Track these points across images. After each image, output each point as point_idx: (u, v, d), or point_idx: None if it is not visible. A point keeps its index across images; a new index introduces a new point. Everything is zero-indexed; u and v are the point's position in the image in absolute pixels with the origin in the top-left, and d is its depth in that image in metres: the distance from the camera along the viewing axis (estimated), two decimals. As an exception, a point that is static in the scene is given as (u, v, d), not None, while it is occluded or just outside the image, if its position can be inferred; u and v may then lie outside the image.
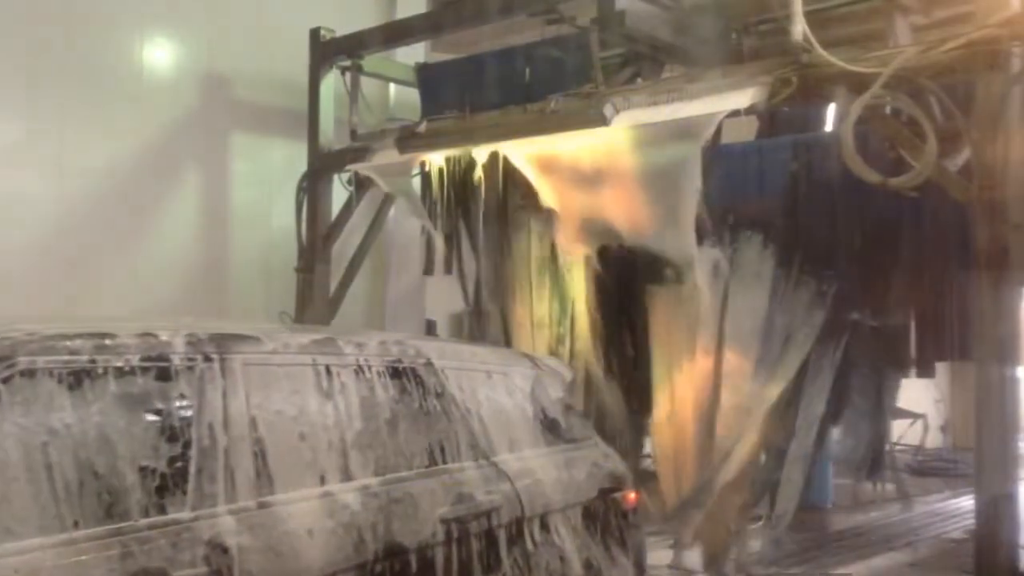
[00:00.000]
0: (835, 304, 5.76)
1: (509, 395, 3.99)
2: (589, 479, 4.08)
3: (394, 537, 3.17)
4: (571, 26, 6.55)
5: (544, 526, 3.78)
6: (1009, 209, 4.66)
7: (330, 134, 7.92)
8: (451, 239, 7.05)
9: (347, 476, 3.16)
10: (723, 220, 5.94)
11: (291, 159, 8.20)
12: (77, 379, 2.59)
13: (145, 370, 2.76)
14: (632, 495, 4.28)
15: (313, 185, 7.90)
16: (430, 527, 3.30)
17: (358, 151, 7.50)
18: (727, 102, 5.46)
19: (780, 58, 5.37)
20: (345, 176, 7.81)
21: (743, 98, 5.41)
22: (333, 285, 8.01)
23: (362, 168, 7.36)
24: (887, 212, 5.65)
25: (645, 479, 6.77)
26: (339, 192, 7.94)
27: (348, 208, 7.87)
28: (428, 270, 7.48)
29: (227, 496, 2.79)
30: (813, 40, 4.99)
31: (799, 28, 5.01)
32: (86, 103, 7.26)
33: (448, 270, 7.13)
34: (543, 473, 3.87)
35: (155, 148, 7.70)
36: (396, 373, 3.52)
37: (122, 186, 7.48)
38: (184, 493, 2.70)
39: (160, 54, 7.81)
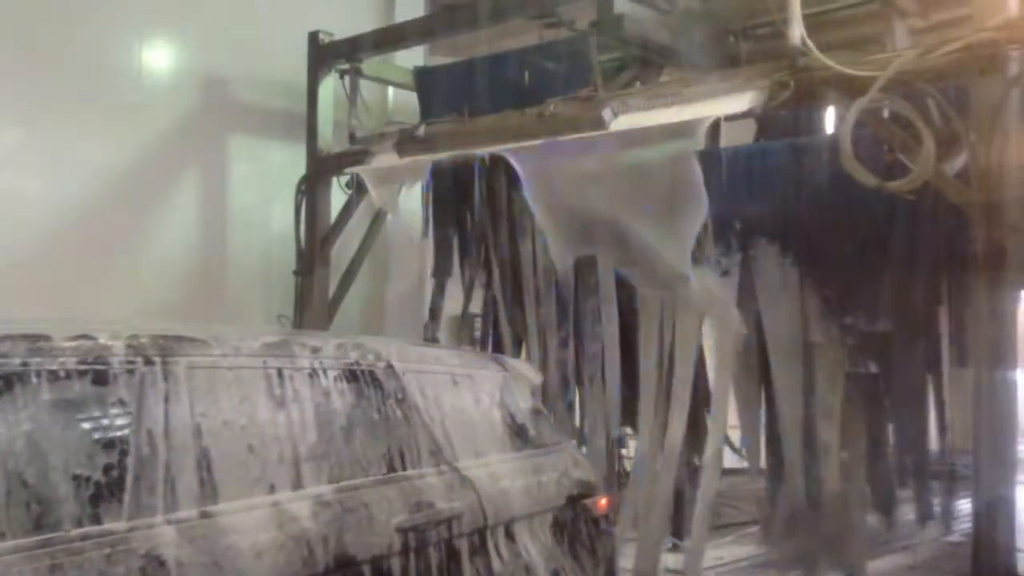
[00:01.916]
0: (840, 310, 5.75)
1: (475, 399, 3.88)
2: (558, 485, 3.95)
3: (346, 549, 3.03)
4: (569, 30, 6.56)
5: (509, 535, 3.65)
6: (1006, 212, 4.66)
7: (329, 137, 7.92)
8: (449, 243, 7.07)
9: (298, 485, 3.03)
10: (728, 226, 5.93)
11: (290, 162, 8.20)
12: (7, 383, 2.48)
13: (81, 374, 2.64)
14: (603, 501, 4.13)
15: (312, 188, 7.91)
16: (386, 537, 3.17)
17: (357, 154, 7.50)
18: (725, 106, 5.47)
19: (778, 62, 5.37)
20: (344, 179, 7.81)
21: (741, 102, 5.42)
22: (332, 288, 8.01)
23: (361, 171, 7.37)
24: (883, 215, 5.64)
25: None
26: (338, 195, 7.94)
27: (347, 211, 7.86)
28: (435, 273, 7.47)
29: (166, 507, 2.67)
30: (811, 44, 4.98)
31: (797, 32, 5.00)
32: (85, 106, 7.26)
33: (446, 274, 7.14)
34: (509, 480, 3.75)
35: (154, 151, 7.70)
36: (354, 377, 3.41)
37: (121, 189, 7.48)
38: (120, 503, 2.58)
39: (159, 57, 7.82)
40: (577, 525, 3.97)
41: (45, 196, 7.07)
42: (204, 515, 2.74)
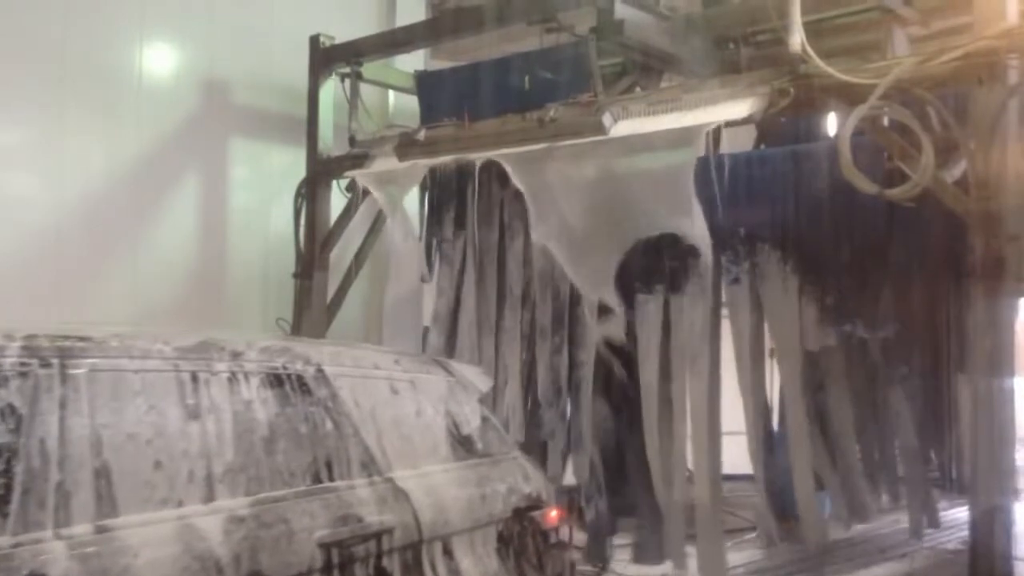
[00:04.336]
0: (840, 317, 5.75)
1: (415, 406, 3.70)
2: (504, 498, 3.77)
3: (260, 568, 2.85)
4: (570, 35, 6.57)
5: (447, 551, 3.46)
6: (1005, 220, 4.66)
7: (329, 140, 7.92)
8: (445, 246, 7.06)
9: (209, 499, 2.84)
10: (733, 232, 5.93)
11: (290, 165, 8.20)
12: None
13: None
14: (553, 513, 3.96)
15: (311, 191, 7.90)
16: (306, 555, 2.99)
17: (357, 158, 7.49)
18: (725, 112, 5.48)
19: (778, 68, 5.38)
20: (343, 183, 7.81)
21: (741, 108, 5.43)
22: (331, 292, 8.01)
23: (360, 175, 7.37)
24: (883, 222, 5.66)
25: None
26: (337, 198, 7.95)
27: (346, 214, 7.86)
28: (427, 277, 7.47)
29: (57, 523, 2.49)
30: (811, 51, 5.00)
31: (797, 39, 5.01)
32: (86, 108, 7.25)
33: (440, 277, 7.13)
34: (449, 491, 3.56)
35: (154, 153, 7.69)
36: (279, 382, 3.23)
37: (121, 191, 7.47)
38: (4, 517, 2.40)
39: (160, 59, 7.81)
40: (524, 540, 3.80)
41: (45, 197, 7.06)
42: (99, 530, 2.57)
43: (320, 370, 3.41)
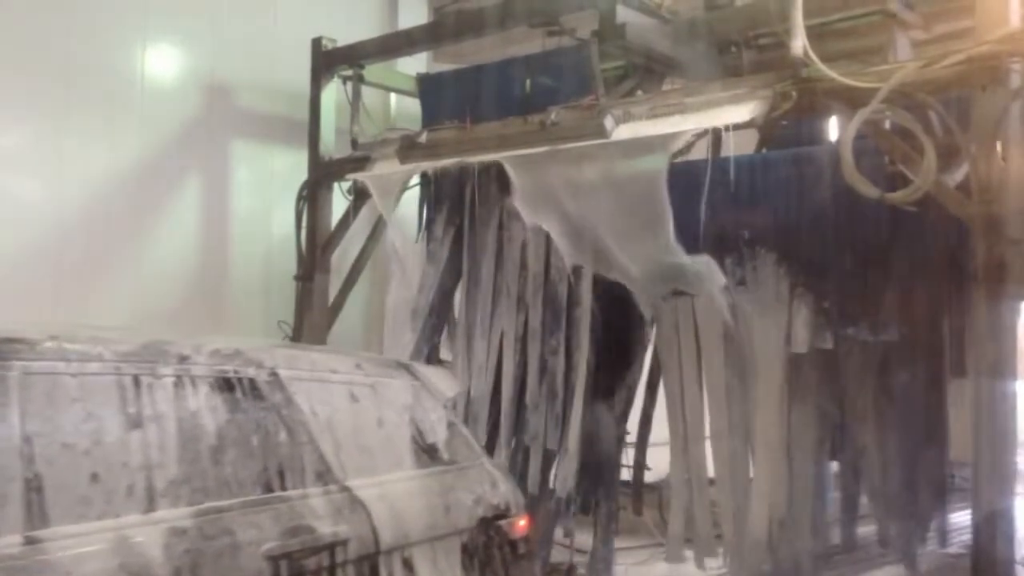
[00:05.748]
0: (842, 321, 5.74)
1: (376, 411, 3.60)
2: (470, 507, 3.68)
3: None
4: (572, 38, 6.58)
5: (407, 563, 3.35)
6: (1007, 224, 4.66)
7: (331, 143, 7.92)
8: (432, 245, 7.06)
9: (149, 511, 2.72)
10: (737, 235, 5.92)
11: (292, 168, 8.21)
12: None
13: None
14: (522, 522, 3.87)
15: (313, 194, 7.90)
16: (252, 568, 2.87)
17: (359, 160, 7.50)
18: (727, 115, 5.48)
19: (780, 72, 5.38)
20: (345, 185, 7.82)
21: (743, 112, 5.43)
22: (333, 294, 8.02)
23: (362, 177, 7.38)
24: (885, 226, 5.65)
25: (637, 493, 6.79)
26: (339, 201, 7.95)
27: (348, 217, 7.86)
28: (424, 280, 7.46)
29: None
30: (813, 54, 5.01)
31: (799, 42, 5.02)
32: (87, 110, 7.26)
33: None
34: (410, 501, 3.46)
35: (156, 156, 7.70)
36: (228, 387, 3.12)
37: (122, 194, 7.48)
38: None
39: (162, 62, 7.82)
40: (490, 550, 3.71)
41: (46, 200, 7.06)
42: (30, 542, 2.45)
43: (274, 374, 3.31)
